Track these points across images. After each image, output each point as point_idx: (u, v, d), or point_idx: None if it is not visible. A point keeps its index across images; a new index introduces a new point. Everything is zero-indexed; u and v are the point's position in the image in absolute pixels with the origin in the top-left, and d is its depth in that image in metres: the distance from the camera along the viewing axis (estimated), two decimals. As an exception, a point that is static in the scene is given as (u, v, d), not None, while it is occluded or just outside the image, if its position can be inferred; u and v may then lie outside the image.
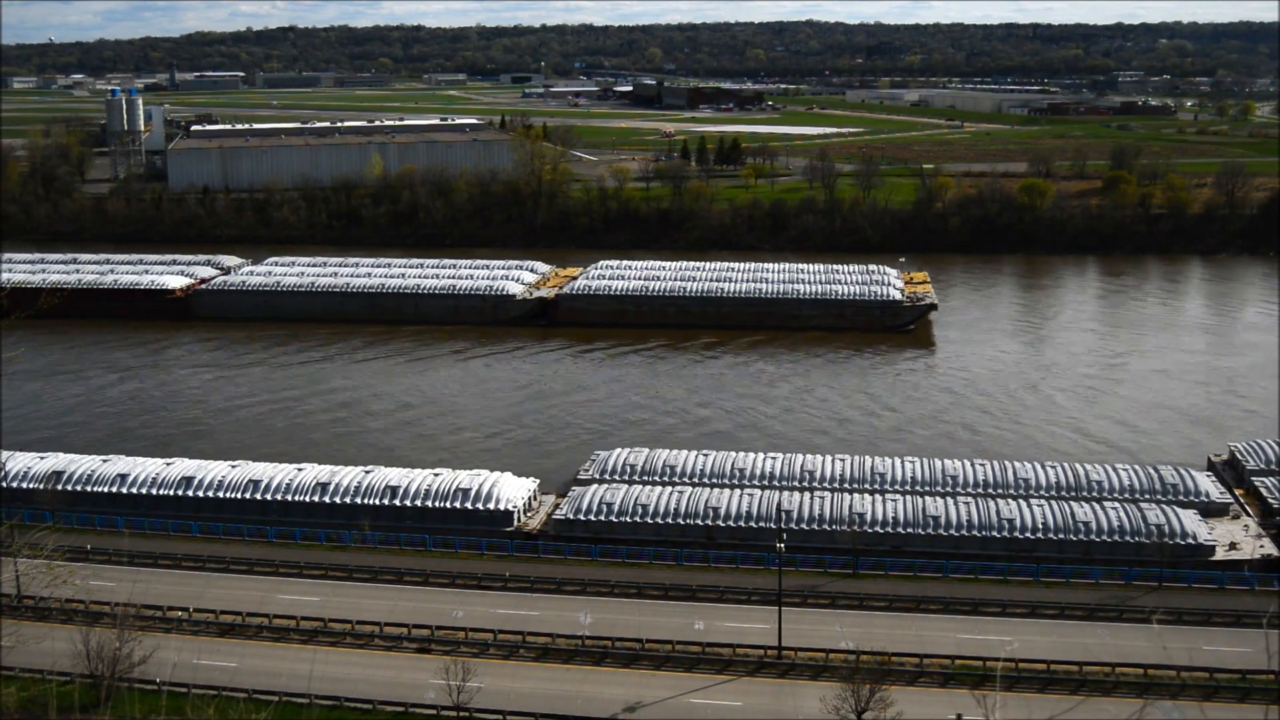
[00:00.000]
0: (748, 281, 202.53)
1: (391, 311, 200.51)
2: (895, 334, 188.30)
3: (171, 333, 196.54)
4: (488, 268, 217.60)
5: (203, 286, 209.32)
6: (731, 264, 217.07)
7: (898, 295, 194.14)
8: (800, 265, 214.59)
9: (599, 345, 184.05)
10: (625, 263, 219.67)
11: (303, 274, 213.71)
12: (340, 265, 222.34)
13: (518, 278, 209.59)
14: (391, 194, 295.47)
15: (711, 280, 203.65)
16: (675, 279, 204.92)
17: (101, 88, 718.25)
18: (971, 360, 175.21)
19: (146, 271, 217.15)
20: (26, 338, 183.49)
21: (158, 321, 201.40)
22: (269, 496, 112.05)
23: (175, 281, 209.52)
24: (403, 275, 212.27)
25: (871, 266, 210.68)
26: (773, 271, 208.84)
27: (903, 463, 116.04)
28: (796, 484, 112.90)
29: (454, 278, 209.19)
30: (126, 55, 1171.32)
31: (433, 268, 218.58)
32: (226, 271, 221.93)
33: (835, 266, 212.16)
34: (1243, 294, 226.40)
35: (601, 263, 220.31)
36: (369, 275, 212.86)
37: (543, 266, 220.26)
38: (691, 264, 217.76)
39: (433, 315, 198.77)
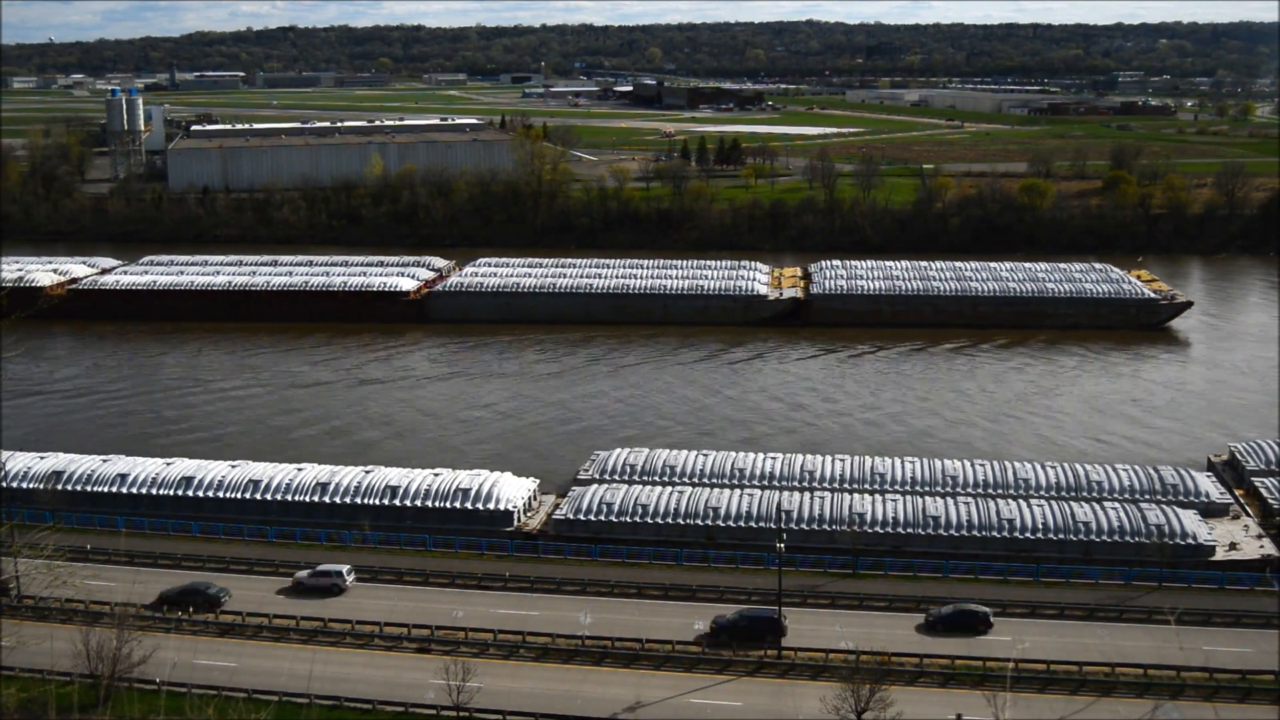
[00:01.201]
0: (992, 280, 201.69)
1: (639, 313, 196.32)
2: (1149, 332, 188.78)
3: (411, 335, 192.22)
4: (710, 268, 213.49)
5: (436, 288, 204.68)
6: (962, 264, 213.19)
7: (1152, 293, 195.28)
8: (1029, 264, 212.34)
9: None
10: (852, 262, 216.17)
11: (528, 274, 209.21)
12: (558, 265, 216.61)
13: (752, 278, 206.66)
14: (391, 194, 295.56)
15: (957, 279, 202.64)
16: (921, 278, 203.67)
17: (101, 88, 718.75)
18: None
19: (364, 273, 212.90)
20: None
21: (391, 324, 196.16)
22: (269, 496, 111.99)
23: (408, 283, 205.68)
24: (633, 275, 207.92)
25: (1098, 265, 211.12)
26: (1009, 270, 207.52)
27: (903, 463, 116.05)
28: (796, 484, 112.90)
29: (689, 277, 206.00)
30: (126, 55, 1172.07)
31: (656, 267, 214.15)
32: (440, 272, 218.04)
33: (1061, 265, 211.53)
34: (1244, 295, 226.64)
35: (826, 262, 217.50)
36: (599, 275, 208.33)
37: (764, 267, 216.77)
38: (921, 263, 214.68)
39: (681, 316, 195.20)
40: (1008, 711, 72.16)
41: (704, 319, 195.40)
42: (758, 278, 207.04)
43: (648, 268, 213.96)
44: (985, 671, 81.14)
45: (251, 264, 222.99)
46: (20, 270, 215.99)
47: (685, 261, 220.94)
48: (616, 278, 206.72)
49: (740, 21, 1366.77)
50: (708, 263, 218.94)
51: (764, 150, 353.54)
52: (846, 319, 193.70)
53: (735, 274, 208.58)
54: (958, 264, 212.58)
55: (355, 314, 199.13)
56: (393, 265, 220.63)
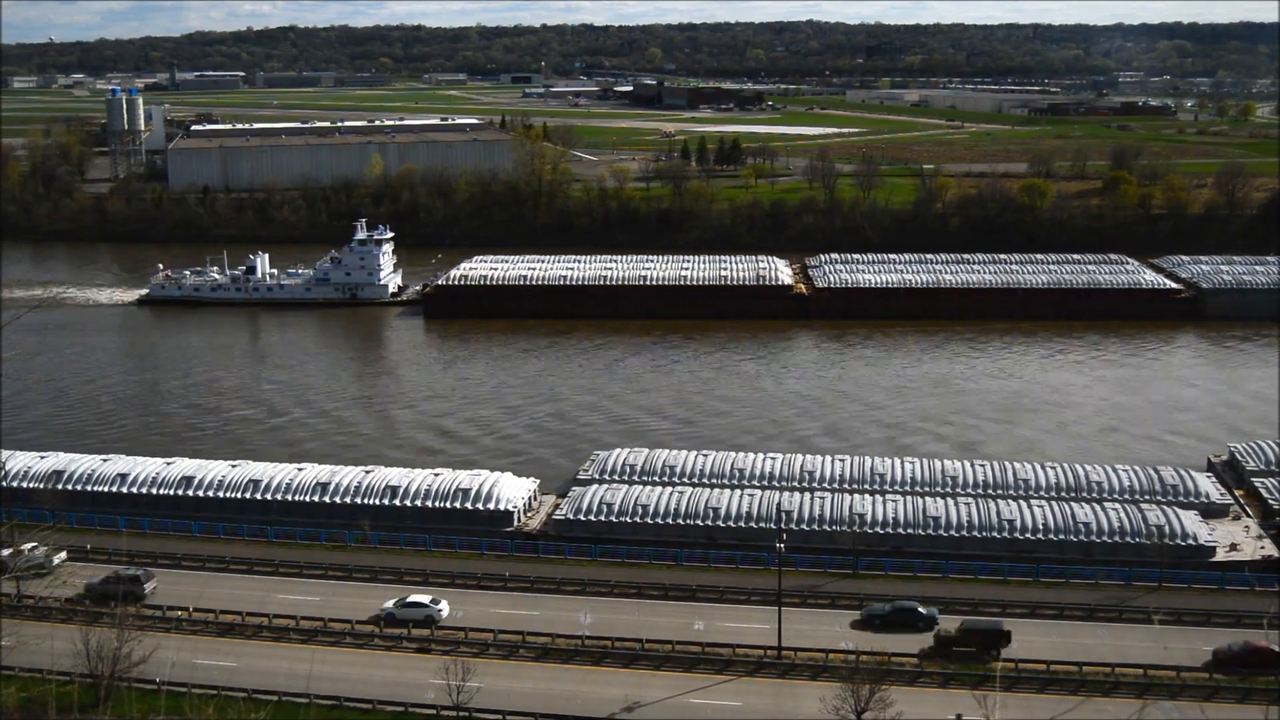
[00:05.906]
0: None
1: None
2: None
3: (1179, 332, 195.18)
4: None
5: (1206, 286, 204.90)
6: None
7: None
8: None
9: None
10: None
11: (1256, 270, 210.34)
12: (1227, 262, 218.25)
13: None
14: (391, 194, 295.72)
15: None
16: None
17: (102, 87, 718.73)
18: None
19: (1007, 269, 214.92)
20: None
21: (1164, 320, 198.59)
22: (269, 496, 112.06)
23: (1173, 282, 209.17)
24: None
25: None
26: None
27: (903, 463, 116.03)
28: (797, 485, 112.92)
29: None
30: (127, 55, 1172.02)
31: None
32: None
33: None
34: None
35: None
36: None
37: None
38: None
39: None
40: (998, 712, 72.06)
41: None
42: None
43: None
44: (984, 671, 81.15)
45: (943, 262, 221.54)
46: (763, 267, 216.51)
47: None
48: None
49: (740, 21, 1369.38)
50: None
51: (764, 150, 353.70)
52: None
53: None
54: None
55: (1127, 311, 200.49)
56: (1047, 261, 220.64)
